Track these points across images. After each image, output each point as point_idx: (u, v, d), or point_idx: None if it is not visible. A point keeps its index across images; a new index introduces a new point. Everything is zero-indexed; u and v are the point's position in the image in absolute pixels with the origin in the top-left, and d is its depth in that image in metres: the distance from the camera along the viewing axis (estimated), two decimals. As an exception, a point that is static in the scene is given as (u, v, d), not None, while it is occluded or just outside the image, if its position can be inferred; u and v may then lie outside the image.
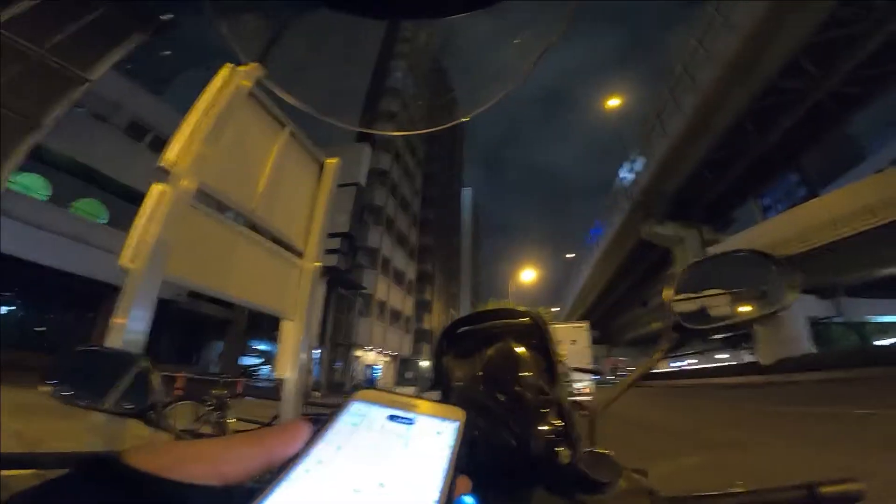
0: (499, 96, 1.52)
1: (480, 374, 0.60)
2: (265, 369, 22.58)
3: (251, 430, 0.34)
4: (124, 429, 1.24)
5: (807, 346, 22.33)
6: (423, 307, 42.57)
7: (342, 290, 25.65)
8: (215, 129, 1.64)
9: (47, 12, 8.26)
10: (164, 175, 1.51)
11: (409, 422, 0.24)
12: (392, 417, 0.25)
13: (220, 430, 2.58)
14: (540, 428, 0.52)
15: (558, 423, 0.53)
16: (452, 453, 0.22)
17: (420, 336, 40.19)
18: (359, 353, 27.63)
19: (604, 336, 60.27)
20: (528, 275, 26.51)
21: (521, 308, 0.70)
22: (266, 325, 21.15)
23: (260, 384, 16.56)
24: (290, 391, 2.05)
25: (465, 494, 0.24)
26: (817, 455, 4.63)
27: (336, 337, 25.36)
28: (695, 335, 0.72)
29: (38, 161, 13.17)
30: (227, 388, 4.04)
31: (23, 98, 8.41)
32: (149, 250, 1.40)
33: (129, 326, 1.36)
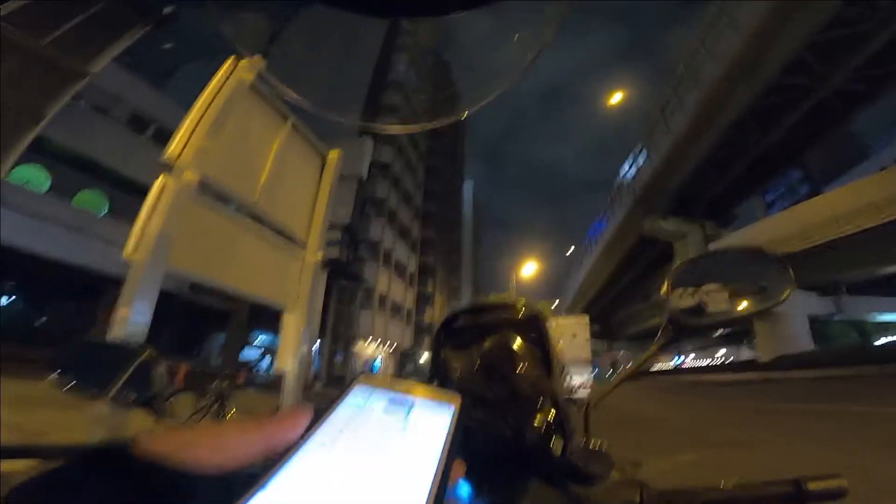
0: (496, 93, 1.53)
1: (478, 365, 0.61)
2: (265, 361, 22.67)
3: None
4: (127, 419, 1.26)
5: (806, 343, 22.36)
6: (424, 300, 42.59)
7: (343, 281, 25.66)
8: (217, 123, 1.65)
9: (48, 5, 8.21)
10: (167, 168, 1.52)
11: (409, 405, 0.25)
12: (392, 401, 0.26)
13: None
14: (535, 420, 0.53)
15: (553, 415, 0.54)
16: (449, 436, 0.23)
17: (421, 329, 40.23)
18: (360, 345, 27.69)
19: (604, 331, 60.30)
20: (529, 269, 26.46)
21: (520, 301, 0.71)
22: (267, 317, 21.20)
23: (260, 376, 16.61)
24: (290, 383, 2.07)
25: (458, 478, 0.25)
26: (814, 453, 4.65)
27: (337, 329, 25.41)
28: (691, 330, 0.73)
29: (39, 153, 13.14)
30: (228, 381, 4.05)
31: (23, 91, 8.38)
32: (152, 242, 1.41)
33: (132, 317, 1.37)
